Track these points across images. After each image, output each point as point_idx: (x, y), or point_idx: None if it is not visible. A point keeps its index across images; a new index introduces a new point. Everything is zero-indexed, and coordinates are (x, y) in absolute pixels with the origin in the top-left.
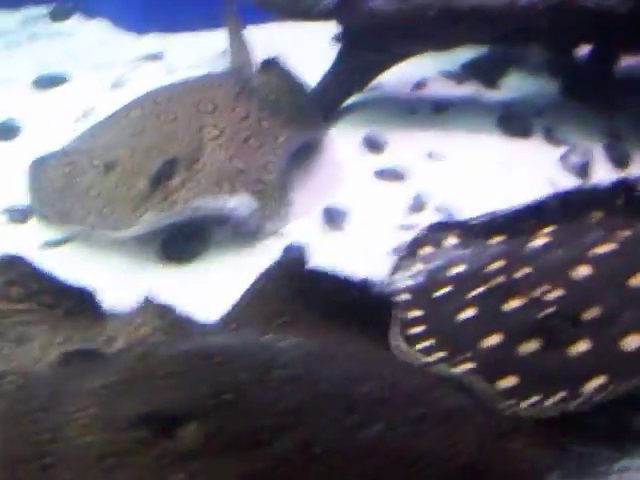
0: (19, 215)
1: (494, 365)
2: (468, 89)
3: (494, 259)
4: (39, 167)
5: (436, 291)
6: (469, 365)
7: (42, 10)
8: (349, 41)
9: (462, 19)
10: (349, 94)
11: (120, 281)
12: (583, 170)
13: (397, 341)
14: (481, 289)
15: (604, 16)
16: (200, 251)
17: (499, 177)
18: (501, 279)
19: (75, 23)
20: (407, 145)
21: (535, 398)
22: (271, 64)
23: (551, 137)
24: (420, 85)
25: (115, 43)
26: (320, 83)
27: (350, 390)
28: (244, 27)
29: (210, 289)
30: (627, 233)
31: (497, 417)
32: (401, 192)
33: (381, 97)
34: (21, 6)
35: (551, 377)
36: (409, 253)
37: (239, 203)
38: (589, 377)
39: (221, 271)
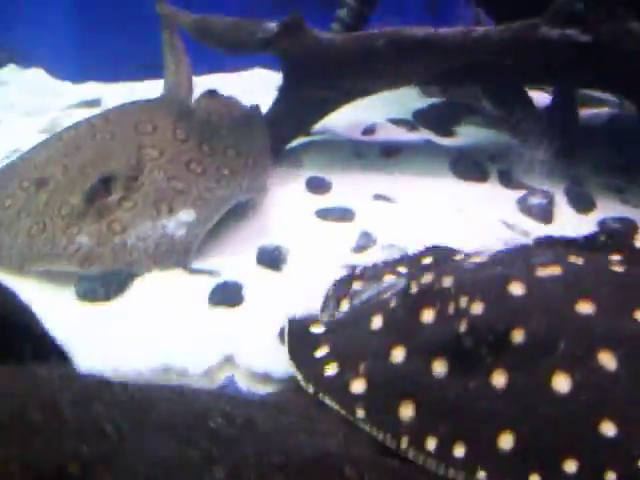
0: None
1: (388, 387)
2: (419, 135)
3: (422, 274)
4: None
5: (356, 313)
6: (359, 384)
7: None
8: (291, 76)
9: (412, 50)
10: (292, 136)
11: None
12: (545, 212)
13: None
14: (395, 302)
15: (567, 48)
16: (122, 288)
17: (450, 219)
18: (415, 289)
19: (10, 72)
20: (353, 187)
21: (432, 444)
22: (212, 92)
23: (507, 180)
24: (370, 130)
25: (50, 91)
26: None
27: (191, 423)
28: (185, 55)
29: (128, 332)
30: (579, 261)
31: (379, 467)
32: (345, 233)
33: (328, 140)
34: None
35: (454, 417)
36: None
37: (176, 225)
38: (498, 431)
39: (143, 313)
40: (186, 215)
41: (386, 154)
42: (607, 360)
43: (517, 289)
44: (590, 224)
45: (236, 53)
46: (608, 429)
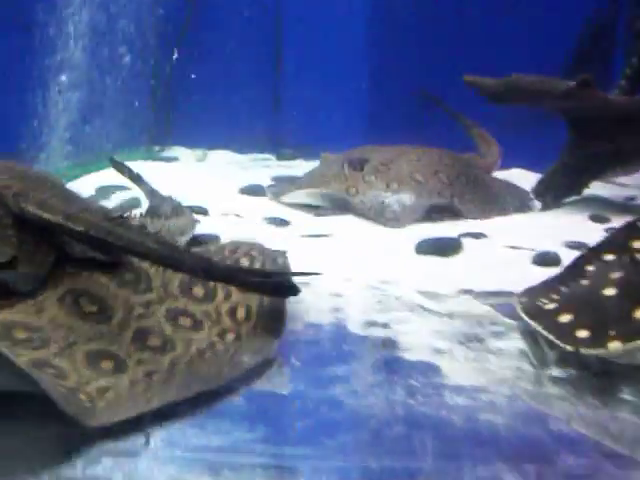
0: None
1: None
2: None
3: None
4: None
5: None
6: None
7: None
8: (577, 133)
9: None
10: (578, 186)
11: None
12: None
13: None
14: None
15: None
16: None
17: None
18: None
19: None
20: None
21: None
22: None
23: None
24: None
25: None
26: (548, 173)
27: None
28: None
29: None
30: None
31: None
32: None
33: (596, 197)
34: None
35: None
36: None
37: (394, 201)
38: None
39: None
40: (407, 198)
41: None
42: None
43: None
44: None
45: (538, 104)
46: None
